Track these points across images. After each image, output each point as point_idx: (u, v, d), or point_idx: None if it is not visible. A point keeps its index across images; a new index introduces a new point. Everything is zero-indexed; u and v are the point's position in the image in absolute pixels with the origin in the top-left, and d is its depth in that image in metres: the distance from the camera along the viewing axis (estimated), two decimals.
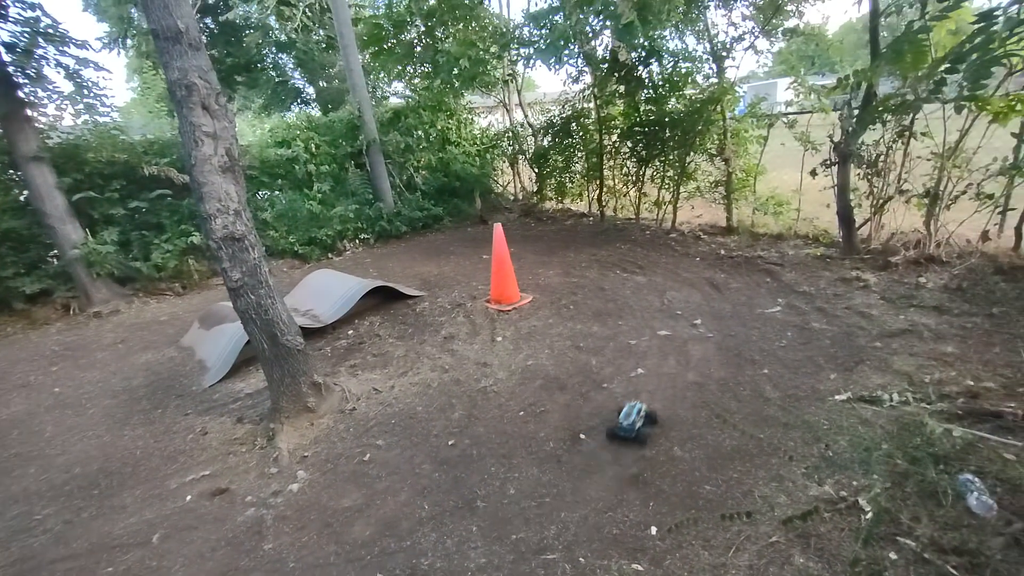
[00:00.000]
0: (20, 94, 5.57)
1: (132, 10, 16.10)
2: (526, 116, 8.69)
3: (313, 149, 7.52)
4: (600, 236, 6.93)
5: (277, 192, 7.46)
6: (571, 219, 8.28)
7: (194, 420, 3.24)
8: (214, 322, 4.45)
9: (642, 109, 6.92)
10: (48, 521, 2.42)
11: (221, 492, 2.50)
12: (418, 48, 8.40)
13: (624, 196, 7.67)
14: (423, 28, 8.22)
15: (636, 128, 6.90)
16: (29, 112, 5.67)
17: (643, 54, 6.46)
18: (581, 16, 6.36)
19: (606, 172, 7.57)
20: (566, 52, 6.62)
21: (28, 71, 5.69)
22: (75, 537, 2.30)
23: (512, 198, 9.52)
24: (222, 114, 2.71)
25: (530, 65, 7.44)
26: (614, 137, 7.43)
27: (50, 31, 5.79)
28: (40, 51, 5.78)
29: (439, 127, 8.53)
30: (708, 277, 4.89)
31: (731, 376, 3.11)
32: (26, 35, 5.62)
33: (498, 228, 4.71)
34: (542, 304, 4.68)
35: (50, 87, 6.07)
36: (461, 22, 8.08)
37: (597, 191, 7.75)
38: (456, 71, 7.46)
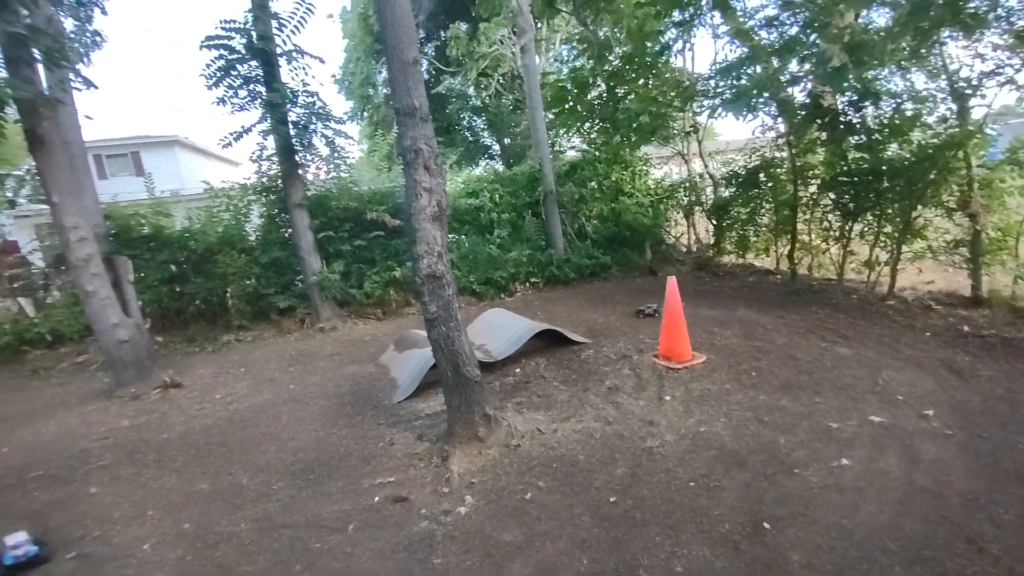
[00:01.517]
0: (296, 158, 7.38)
1: (370, 91, 20.33)
2: (706, 166, 8.38)
3: (497, 199, 8.34)
4: (790, 297, 6.17)
5: (463, 236, 8.40)
6: (754, 276, 7.56)
7: (385, 430, 3.72)
8: (406, 346, 5.10)
9: (850, 157, 6.11)
10: (280, 492, 2.99)
11: (402, 500, 2.79)
12: (598, 106, 8.85)
13: (823, 254, 6.75)
14: (604, 88, 8.65)
15: (842, 178, 6.10)
16: (300, 171, 7.47)
17: (854, 97, 5.76)
18: (778, 64, 6.00)
19: (800, 226, 6.79)
20: (760, 100, 6.25)
21: (304, 141, 7.53)
22: (296, 511, 2.79)
23: (685, 250, 9.13)
24: (438, 172, 3.20)
25: (716, 116, 7.23)
26: (812, 188, 6.67)
27: (320, 111, 7.59)
28: (312, 126, 7.62)
29: (613, 178, 8.73)
30: (945, 358, 3.95)
31: (983, 490, 2.41)
32: (305, 115, 7.48)
33: (672, 281, 4.54)
34: (718, 366, 4.31)
35: (314, 152, 7.93)
36: (642, 79, 8.30)
37: (788, 247, 6.98)
38: (635, 126, 7.62)
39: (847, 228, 6.20)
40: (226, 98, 6.88)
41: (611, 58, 8.92)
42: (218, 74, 6.75)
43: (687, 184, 8.66)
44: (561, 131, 10.73)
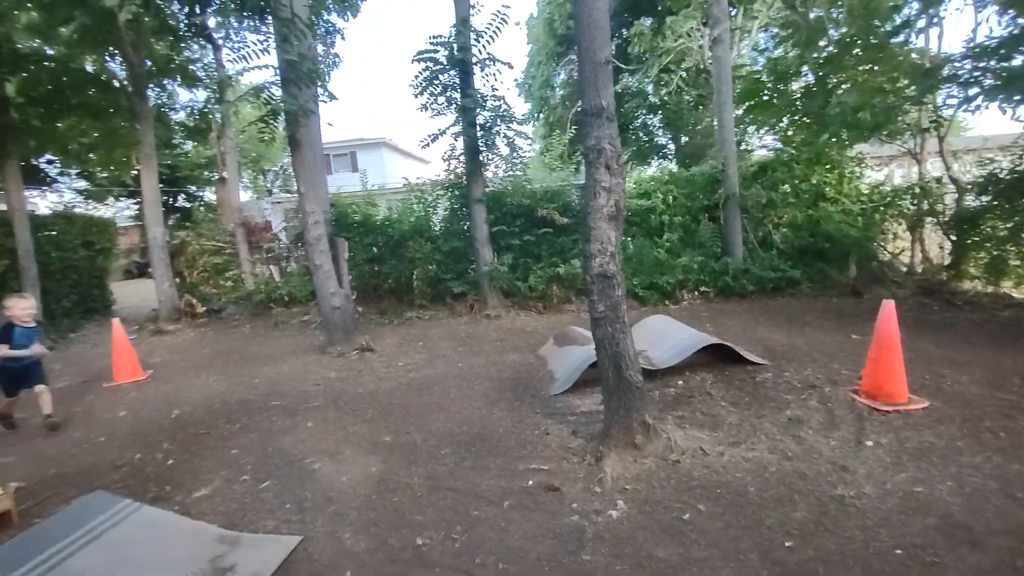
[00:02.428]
0: (480, 157, 8.02)
1: (549, 92, 21.04)
2: (947, 168, 6.72)
3: (671, 200, 7.91)
4: None
5: (630, 238, 8.18)
6: (1010, 310, 5.88)
7: (540, 419, 3.83)
8: (566, 342, 5.18)
9: None
10: (446, 458, 3.30)
11: (554, 489, 2.84)
12: (802, 99, 7.74)
13: None
14: (813, 78, 7.52)
15: None
16: (482, 169, 8.10)
17: None
18: None
19: None
20: None
21: (488, 142, 8.14)
22: (460, 476, 3.05)
23: (905, 270, 7.49)
24: (618, 172, 3.15)
25: (973, 108, 5.73)
26: None
27: (505, 113, 8.11)
28: (496, 128, 8.18)
29: (814, 181, 7.57)
30: None
31: None
32: (491, 118, 8.06)
33: (889, 306, 3.77)
34: (945, 417, 3.46)
35: (496, 152, 8.51)
36: (865, 65, 7.00)
37: None
38: (851, 121, 6.46)
39: None
40: (427, 104, 7.81)
41: (823, 44, 7.73)
42: (423, 84, 7.70)
43: (917, 189, 7.06)
44: (751, 128, 9.70)
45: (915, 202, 7.10)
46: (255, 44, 7.18)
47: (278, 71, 6.36)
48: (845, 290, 7.14)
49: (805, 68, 7.75)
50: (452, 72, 7.66)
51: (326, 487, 3.01)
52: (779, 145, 8.83)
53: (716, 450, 3.20)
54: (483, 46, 7.54)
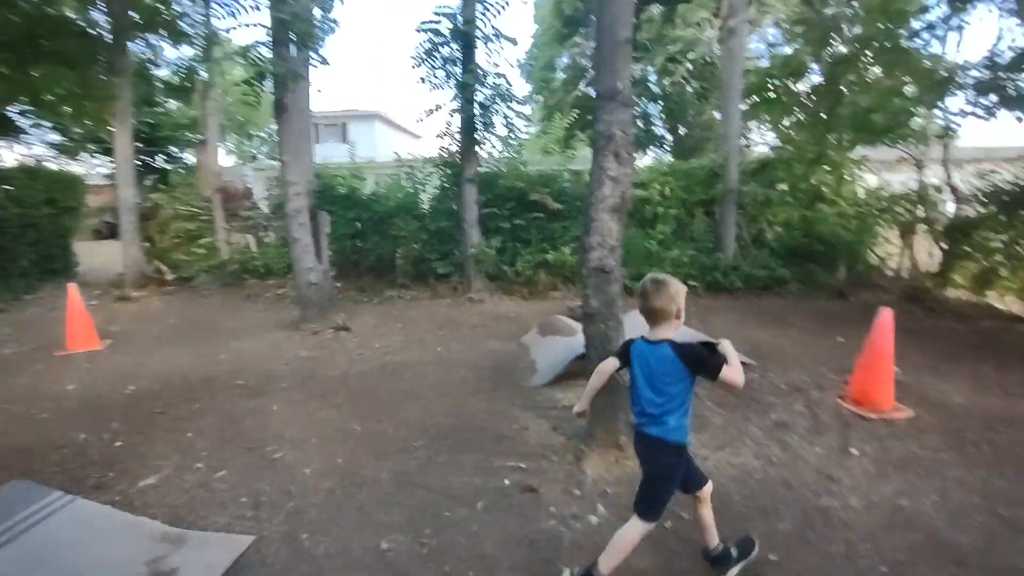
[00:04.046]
0: (476, 135, 7.71)
1: (551, 75, 20.53)
2: (949, 176, 6.63)
3: (667, 192, 7.74)
4: None
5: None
6: (993, 320, 5.88)
7: (519, 412, 3.66)
8: (550, 331, 5.01)
9: None
10: (418, 451, 3.12)
11: (531, 490, 2.68)
12: (810, 97, 7.56)
13: None
14: (824, 77, 7.33)
15: None
16: (477, 148, 7.80)
17: None
18: None
19: None
20: None
21: (485, 120, 7.82)
22: (432, 473, 2.87)
23: (892, 275, 7.47)
24: (628, 161, 2.95)
25: (987, 115, 5.59)
26: None
27: (505, 92, 7.78)
28: (495, 107, 7.86)
29: (813, 182, 7.46)
30: None
31: None
32: (491, 96, 7.73)
33: (886, 314, 3.68)
34: (929, 427, 3.40)
35: (492, 131, 8.19)
36: (881, 67, 6.81)
37: None
38: (862, 123, 6.29)
39: None
40: (427, 77, 7.48)
41: (837, 42, 7.52)
42: (424, 55, 7.36)
43: (916, 196, 6.97)
44: (754, 125, 9.53)
45: (911, 208, 7.04)
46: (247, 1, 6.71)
47: (269, 30, 5.96)
48: (832, 292, 7.09)
49: (815, 66, 7.56)
50: (455, 45, 7.34)
51: (286, 480, 2.80)
52: (779, 143, 8.68)
53: (701, 454, 3.08)
54: (489, 20, 7.23)
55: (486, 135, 7.94)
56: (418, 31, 7.29)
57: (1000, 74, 5.12)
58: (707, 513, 2.11)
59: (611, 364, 2.19)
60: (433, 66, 7.43)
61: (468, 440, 3.26)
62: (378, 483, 2.76)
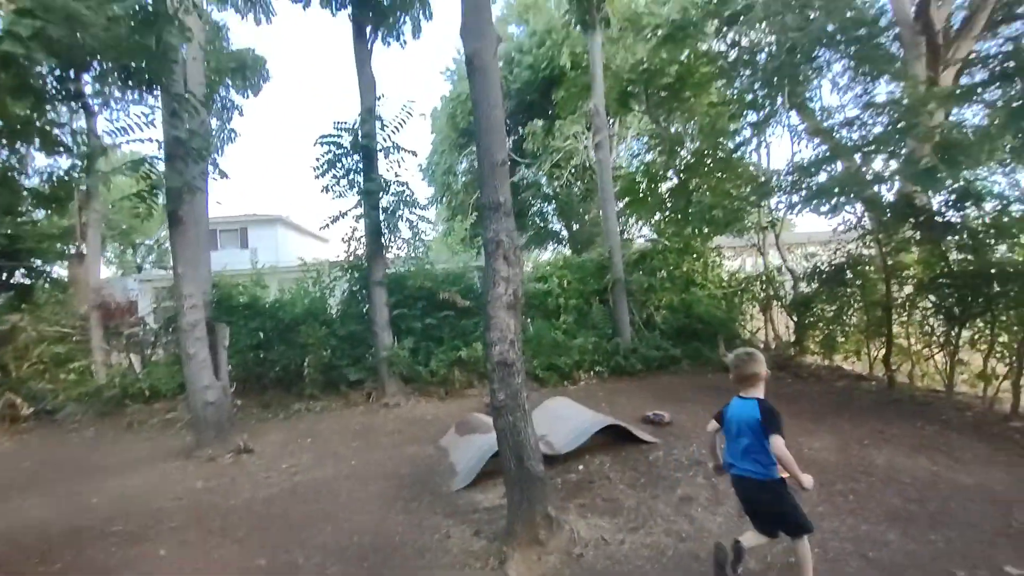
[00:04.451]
0: (383, 240, 8.00)
1: (451, 179, 22.08)
2: (784, 260, 8.09)
3: (565, 284, 8.46)
4: (889, 408, 5.54)
5: (529, 319, 8.49)
6: (843, 380, 6.91)
7: (441, 520, 3.59)
8: (467, 430, 5.05)
9: (951, 258, 5.67)
10: None
11: None
12: (670, 198, 9.02)
13: (925, 361, 6.09)
14: (677, 181, 8.86)
15: (943, 280, 5.63)
16: (384, 252, 8.06)
17: (952, 196, 5.46)
18: (861, 162, 5.90)
19: (896, 328, 6.23)
20: (842, 199, 6.09)
21: (391, 225, 8.19)
22: None
23: (762, 347, 8.60)
24: (516, 263, 3.34)
25: (795, 212, 7.08)
26: (907, 288, 6.20)
27: (408, 199, 8.29)
28: (400, 212, 8.30)
29: (684, 268, 8.63)
30: None
31: None
32: (395, 202, 8.18)
33: None
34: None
35: (398, 235, 8.56)
36: (716, 173, 8.43)
37: (883, 350, 6.38)
38: (708, 218, 7.63)
39: (953, 334, 5.60)
40: (330, 186, 7.76)
41: (683, 153, 9.21)
42: (326, 166, 7.68)
43: (764, 277, 8.35)
44: (631, 220, 10.95)
45: (764, 288, 8.36)
46: (139, 116, 6.72)
47: (163, 145, 5.98)
48: (717, 366, 7.94)
49: (671, 172, 9.13)
50: (356, 156, 7.75)
51: None
52: (654, 236, 10.04)
53: (617, 538, 3.22)
54: (388, 135, 7.80)
55: (392, 239, 8.26)
56: (317, 143, 7.65)
57: (800, 178, 6.62)
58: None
59: (713, 425, 2.76)
60: (336, 176, 7.74)
61: (388, 559, 3.12)
62: None
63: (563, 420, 4.95)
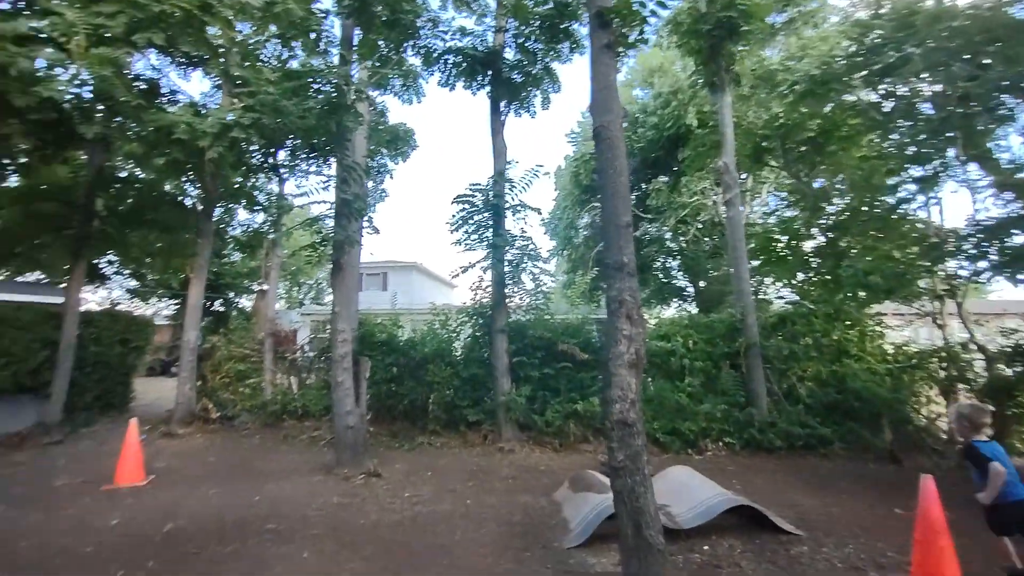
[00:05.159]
0: (506, 290, 8.43)
1: (572, 233, 22.60)
2: (971, 334, 6.72)
3: (691, 345, 7.98)
4: None
5: (650, 379, 8.11)
6: None
7: None
8: (582, 487, 4.91)
9: None
10: None
11: None
12: (814, 258, 8.18)
13: None
14: (823, 239, 8.03)
15: None
16: (507, 301, 8.47)
17: None
18: None
19: None
20: None
21: (514, 277, 8.62)
22: None
23: (945, 438, 7.10)
24: (639, 322, 3.31)
25: (985, 280, 5.95)
26: None
27: (532, 252, 8.71)
28: (523, 264, 8.72)
29: (834, 337, 7.62)
30: None
31: None
32: (519, 255, 8.64)
33: (928, 483, 3.54)
34: None
35: (521, 286, 8.95)
36: (872, 231, 7.49)
37: None
38: (865, 283, 6.73)
39: None
40: (462, 240, 8.51)
41: (829, 209, 8.39)
42: (460, 222, 8.49)
43: (942, 354, 7.00)
44: (766, 281, 10.09)
45: (944, 367, 6.99)
46: (318, 183, 8.22)
47: (333, 205, 7.17)
48: (882, 454, 6.72)
49: (815, 229, 8.32)
50: (486, 214, 8.46)
51: None
52: (796, 298, 9.09)
53: None
54: (516, 194, 8.44)
55: (515, 289, 8.67)
56: (454, 202, 8.52)
57: (987, 239, 5.56)
58: None
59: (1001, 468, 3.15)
60: (468, 231, 8.51)
61: None
62: None
63: (687, 492, 4.58)
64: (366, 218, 7.81)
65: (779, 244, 8.42)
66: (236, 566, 3.52)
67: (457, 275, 8.66)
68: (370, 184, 12.66)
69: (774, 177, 13.03)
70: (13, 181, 10.02)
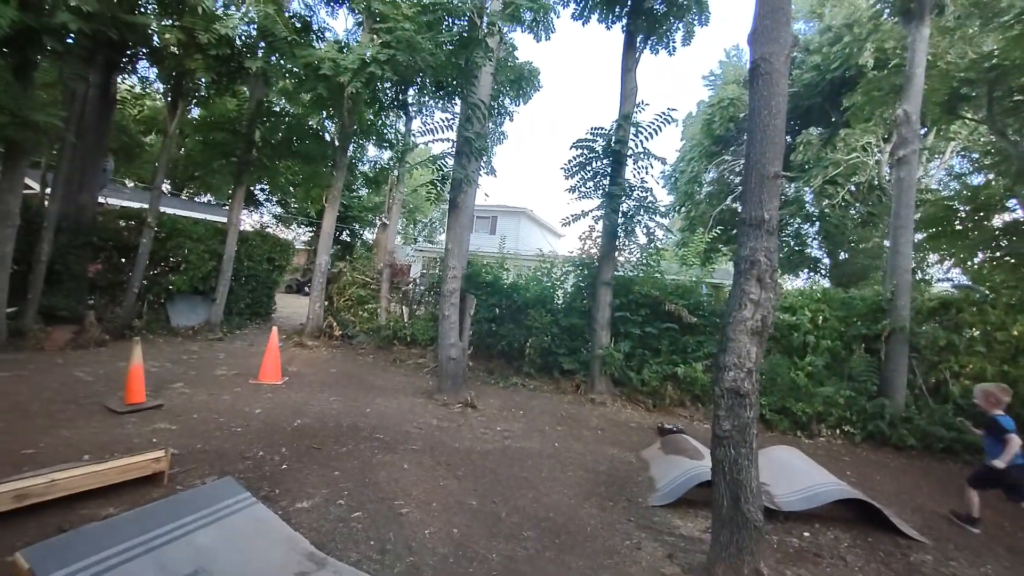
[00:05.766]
0: (616, 242, 8.12)
1: (696, 188, 20.90)
2: None
3: (820, 321, 7.13)
4: None
5: (767, 351, 7.45)
6: None
7: (634, 530, 3.50)
8: (673, 450, 4.77)
9: None
10: (528, 541, 3.16)
11: None
12: (1006, 235, 6.65)
13: None
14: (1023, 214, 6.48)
15: None
16: (616, 254, 8.18)
17: None
18: None
19: None
20: None
21: (627, 228, 8.25)
22: (537, 567, 2.88)
23: None
24: (770, 287, 2.97)
25: None
26: None
27: (650, 205, 8.20)
28: (638, 217, 8.28)
29: (1014, 333, 6.29)
30: None
31: None
32: (635, 207, 8.20)
33: None
34: None
35: (633, 240, 8.56)
36: None
37: None
38: None
39: None
40: (576, 187, 8.24)
41: None
42: (576, 168, 8.18)
43: None
44: (931, 258, 8.51)
45: None
46: (442, 121, 8.39)
47: (454, 144, 7.30)
48: None
49: (1013, 202, 6.71)
50: (605, 161, 8.04)
51: (408, 535, 3.04)
52: (968, 282, 7.58)
53: None
54: (641, 141, 7.86)
55: (626, 242, 8.31)
56: (572, 147, 8.16)
57: None
58: None
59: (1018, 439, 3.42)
60: (584, 178, 8.17)
61: (577, 544, 3.20)
62: (487, 562, 2.84)
63: (793, 474, 4.24)
64: (484, 159, 7.88)
65: (959, 215, 6.94)
66: (348, 465, 4.02)
67: (567, 223, 8.48)
68: (490, 125, 12.75)
69: (967, 133, 10.66)
70: (194, 113, 11.75)
